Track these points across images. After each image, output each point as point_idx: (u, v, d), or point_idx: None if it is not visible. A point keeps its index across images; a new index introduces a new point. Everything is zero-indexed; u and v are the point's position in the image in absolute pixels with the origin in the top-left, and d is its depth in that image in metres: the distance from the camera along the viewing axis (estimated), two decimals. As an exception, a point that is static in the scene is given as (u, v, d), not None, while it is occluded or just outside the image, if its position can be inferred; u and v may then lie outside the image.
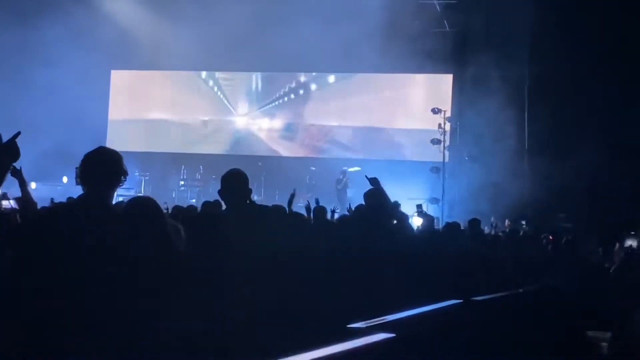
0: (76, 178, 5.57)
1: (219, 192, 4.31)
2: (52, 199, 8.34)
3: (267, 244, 4.00)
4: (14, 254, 3.25)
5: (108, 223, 3.22)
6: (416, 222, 10.91)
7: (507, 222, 14.49)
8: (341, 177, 18.01)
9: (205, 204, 8.47)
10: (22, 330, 2.97)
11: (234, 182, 4.28)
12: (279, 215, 5.70)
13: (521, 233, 11.57)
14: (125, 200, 5.03)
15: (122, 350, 2.98)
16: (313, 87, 20.28)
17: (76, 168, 5.40)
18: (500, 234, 12.09)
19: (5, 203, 7.91)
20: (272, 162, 19.33)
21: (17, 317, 3.01)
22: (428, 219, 9.37)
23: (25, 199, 5.65)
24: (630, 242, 9.56)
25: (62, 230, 3.17)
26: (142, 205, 3.43)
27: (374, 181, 5.96)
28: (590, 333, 4.00)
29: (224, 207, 4.69)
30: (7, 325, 2.99)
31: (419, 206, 9.98)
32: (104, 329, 2.98)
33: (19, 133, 3.34)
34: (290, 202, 7.57)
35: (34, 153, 15.23)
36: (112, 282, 3.07)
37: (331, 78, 20.11)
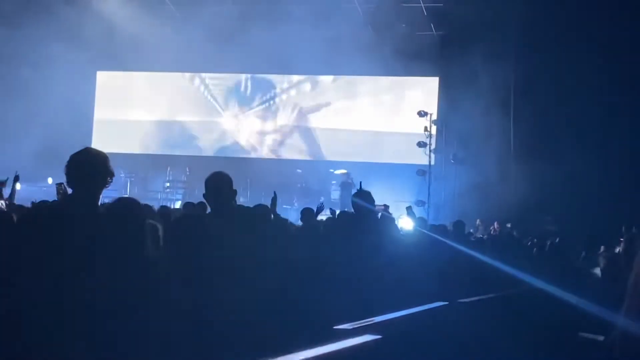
0: (58, 195, 5.57)
1: (204, 195, 4.30)
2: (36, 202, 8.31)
3: (252, 246, 4.00)
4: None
5: (94, 224, 3.22)
6: (402, 223, 10.93)
7: (496, 224, 14.54)
8: (344, 178, 17.95)
9: (187, 205, 8.42)
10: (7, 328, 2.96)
11: (218, 184, 4.27)
12: (264, 217, 5.69)
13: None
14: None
15: (103, 348, 2.97)
16: (299, 90, 20.25)
17: (57, 185, 5.39)
18: (485, 236, 12.14)
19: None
20: (258, 164, 19.28)
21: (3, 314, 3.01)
22: (421, 220, 9.36)
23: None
24: (618, 249, 9.57)
25: (48, 231, 3.16)
26: (121, 206, 3.45)
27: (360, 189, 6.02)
28: (583, 334, 4.02)
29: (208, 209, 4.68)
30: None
31: (409, 208, 10.00)
32: (86, 329, 2.97)
33: None
34: (273, 205, 7.34)
35: (18, 153, 15.20)
36: (97, 282, 3.06)
37: (317, 81, 20.09)
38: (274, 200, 7.07)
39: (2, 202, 7.41)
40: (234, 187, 4.31)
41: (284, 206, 17.36)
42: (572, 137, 15.11)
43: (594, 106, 15.51)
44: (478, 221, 15.11)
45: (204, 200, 4.41)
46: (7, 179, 8.20)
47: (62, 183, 3.47)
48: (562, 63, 15.48)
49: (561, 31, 15.47)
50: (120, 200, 3.65)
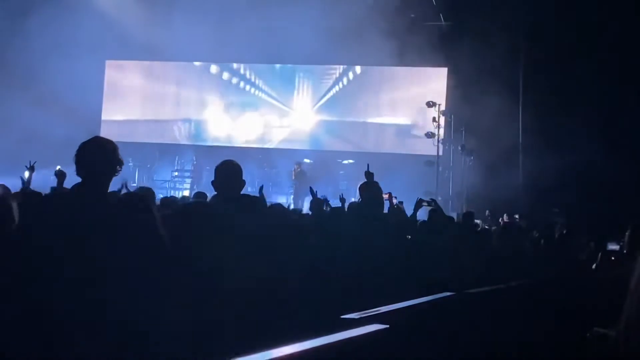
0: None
1: (213, 182, 4.30)
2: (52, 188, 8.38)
3: (260, 235, 4.00)
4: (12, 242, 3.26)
5: (104, 212, 3.23)
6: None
7: (505, 216, 14.49)
8: (296, 167, 18.00)
9: (198, 194, 8.47)
10: (16, 314, 2.98)
11: (228, 172, 4.27)
12: (271, 206, 5.69)
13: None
14: (116, 190, 5.03)
15: (114, 337, 2.99)
16: (306, 79, 20.20)
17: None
18: (493, 227, 12.12)
19: None
20: (266, 154, 19.32)
21: (12, 302, 3.02)
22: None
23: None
24: (613, 247, 9.51)
25: (58, 219, 3.18)
26: (135, 199, 3.46)
27: (369, 175, 6.02)
28: (597, 329, 4.01)
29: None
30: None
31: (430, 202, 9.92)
32: (95, 319, 2.99)
33: None
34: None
35: (26, 141, 15.24)
36: (104, 272, 3.07)
37: (324, 71, 20.04)
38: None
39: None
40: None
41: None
42: (581, 128, 15.05)
43: (605, 97, 15.44)
44: (487, 212, 15.07)
45: (212, 189, 4.41)
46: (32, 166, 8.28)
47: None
48: (573, 53, 15.40)
49: (572, 21, 15.39)
50: (136, 191, 3.67)
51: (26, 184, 7.98)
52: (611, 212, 13.08)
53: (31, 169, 8.22)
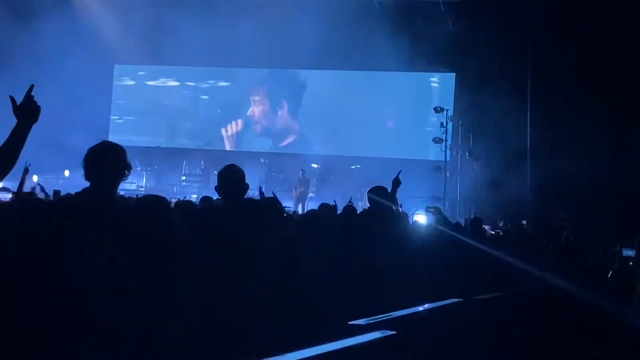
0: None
1: (216, 187, 4.29)
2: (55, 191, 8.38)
3: (266, 240, 4.00)
4: (19, 247, 3.26)
5: (112, 217, 3.23)
6: (418, 218, 10.89)
7: (500, 222, 14.42)
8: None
9: (205, 199, 8.46)
10: (23, 323, 2.98)
11: (231, 177, 4.26)
12: (273, 209, 5.67)
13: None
14: (126, 195, 5.04)
15: (122, 345, 2.99)
16: (314, 84, 20.17)
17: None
18: (501, 233, 12.10)
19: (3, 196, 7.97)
20: (273, 158, 19.30)
21: (19, 310, 3.02)
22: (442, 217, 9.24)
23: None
24: (627, 252, 9.47)
25: (67, 225, 3.18)
26: (151, 204, 3.47)
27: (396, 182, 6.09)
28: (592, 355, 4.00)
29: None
30: (9, 317, 3.00)
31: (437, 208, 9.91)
32: (105, 324, 2.99)
33: (32, 86, 3.19)
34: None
35: (35, 145, 15.28)
36: (114, 277, 3.07)
37: (334, 75, 20.00)
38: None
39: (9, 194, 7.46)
40: (250, 181, 4.30)
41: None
42: (590, 133, 14.99)
43: (612, 105, 15.39)
44: (502, 223, 14.97)
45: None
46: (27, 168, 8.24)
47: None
48: (581, 60, 15.35)
49: (579, 28, 15.34)
50: (148, 197, 3.67)
51: (18, 187, 7.88)
52: (620, 218, 13.03)
53: (25, 171, 8.11)
